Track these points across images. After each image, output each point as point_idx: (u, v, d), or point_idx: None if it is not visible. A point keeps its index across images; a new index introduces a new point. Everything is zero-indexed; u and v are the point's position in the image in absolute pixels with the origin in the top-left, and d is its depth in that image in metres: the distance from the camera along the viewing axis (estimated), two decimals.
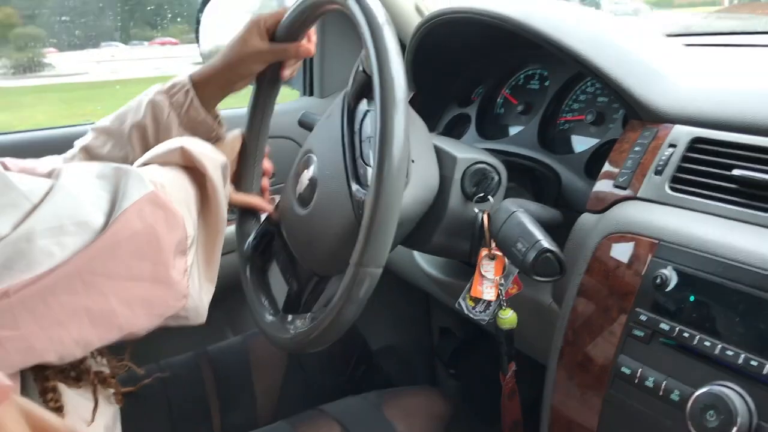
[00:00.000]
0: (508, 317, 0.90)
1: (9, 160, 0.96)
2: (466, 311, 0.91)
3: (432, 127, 1.34)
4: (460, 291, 1.03)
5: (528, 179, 1.07)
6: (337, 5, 0.81)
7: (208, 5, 1.62)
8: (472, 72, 1.33)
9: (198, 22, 1.65)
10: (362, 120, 0.91)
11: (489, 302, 0.91)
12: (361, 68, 0.90)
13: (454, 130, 1.33)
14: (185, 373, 1.17)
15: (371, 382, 1.27)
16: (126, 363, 0.91)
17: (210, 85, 0.98)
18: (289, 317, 0.89)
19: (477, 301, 0.91)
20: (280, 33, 0.97)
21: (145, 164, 0.81)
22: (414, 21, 1.47)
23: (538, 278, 0.78)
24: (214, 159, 0.82)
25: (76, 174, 0.68)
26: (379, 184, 0.69)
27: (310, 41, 1.00)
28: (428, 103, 1.33)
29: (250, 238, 1.04)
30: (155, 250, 0.68)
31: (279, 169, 1.54)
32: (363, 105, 0.93)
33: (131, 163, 0.90)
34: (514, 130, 1.24)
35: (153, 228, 0.68)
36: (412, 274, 1.26)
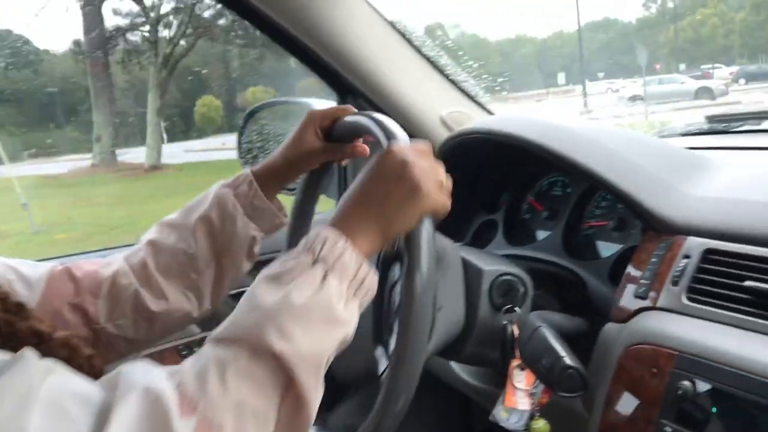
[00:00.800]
0: (541, 426, 0.93)
1: (76, 265, 0.96)
2: (501, 423, 0.94)
3: (461, 235, 1.40)
4: (495, 397, 1.07)
5: (554, 285, 1.12)
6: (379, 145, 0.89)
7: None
8: (497, 179, 1.40)
9: (241, 134, 1.77)
10: (392, 288, 0.97)
11: (522, 412, 0.95)
12: None
13: (482, 237, 1.39)
14: None
15: None
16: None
17: (270, 179, 1.00)
18: None
19: (511, 411, 0.95)
20: (335, 133, 0.99)
21: (228, 340, 0.69)
22: (439, 131, 1.56)
23: (563, 394, 0.83)
24: (320, 354, 0.69)
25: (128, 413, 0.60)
26: (399, 359, 0.76)
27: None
28: (456, 210, 1.39)
29: None
30: None
31: None
32: (396, 270, 0.98)
33: (194, 257, 0.95)
34: (540, 235, 1.30)
35: None
36: (449, 378, 1.30)
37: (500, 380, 1.11)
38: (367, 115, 0.88)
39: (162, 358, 1.43)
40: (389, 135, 0.81)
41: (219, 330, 0.70)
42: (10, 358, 0.59)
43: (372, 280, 0.74)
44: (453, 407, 1.71)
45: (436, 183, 0.78)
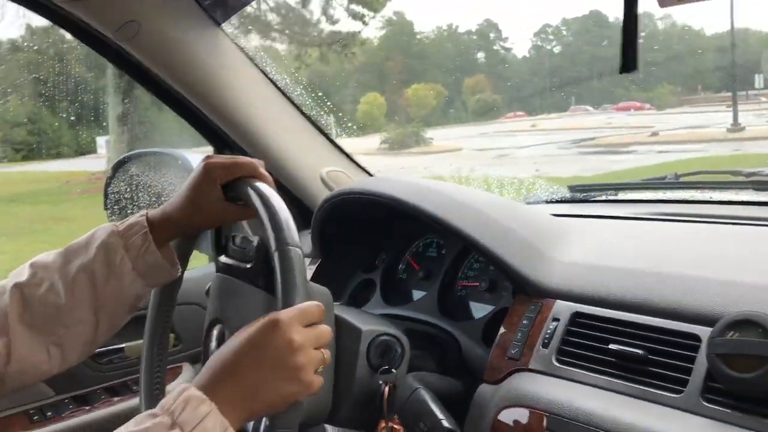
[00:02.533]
0: None
1: None
2: None
3: (339, 294, 1.39)
4: None
5: (430, 346, 1.12)
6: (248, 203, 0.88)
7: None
8: (376, 239, 1.41)
9: (108, 184, 1.69)
10: None
11: None
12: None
13: (360, 296, 1.39)
14: None
15: None
16: None
17: (167, 229, 0.92)
18: None
19: None
20: (234, 192, 0.94)
21: None
22: (319, 189, 1.57)
23: None
24: None
25: None
26: None
27: None
28: (334, 269, 1.39)
29: None
30: None
31: (184, 337, 1.54)
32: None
33: (65, 310, 0.85)
34: (416, 295, 1.32)
35: None
36: None
37: None
38: (266, 202, 0.85)
39: (9, 424, 1.31)
40: (279, 240, 0.80)
41: None
42: None
43: None
44: None
45: (315, 366, 0.73)
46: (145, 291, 0.93)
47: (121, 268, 0.89)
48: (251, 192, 0.90)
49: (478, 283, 1.21)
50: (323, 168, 1.56)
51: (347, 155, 1.62)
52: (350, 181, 1.59)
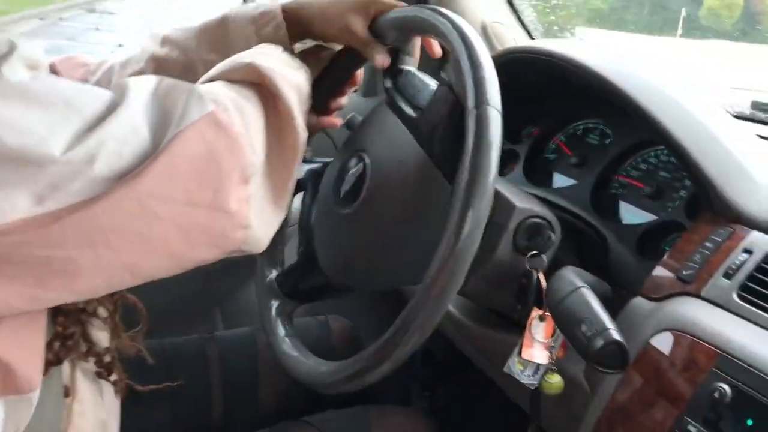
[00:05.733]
0: (556, 382, 0.85)
1: (61, 61, 0.89)
2: (514, 375, 0.86)
3: None
4: (477, 336, 1.00)
5: (576, 241, 1.02)
6: (441, 40, 0.77)
7: None
8: (528, 109, 1.28)
9: None
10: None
11: (538, 366, 0.86)
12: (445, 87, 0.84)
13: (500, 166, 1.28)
14: (190, 356, 1.12)
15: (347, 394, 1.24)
16: (136, 345, 0.85)
17: (298, 25, 0.89)
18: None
19: (526, 363, 0.86)
20: (380, 28, 0.87)
21: (210, 80, 0.75)
22: None
23: (599, 368, 0.74)
24: (289, 77, 0.76)
25: (140, 93, 0.63)
26: (431, 287, 0.67)
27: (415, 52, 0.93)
28: None
29: (273, 274, 1.00)
30: (215, 176, 0.64)
31: None
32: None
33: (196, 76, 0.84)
34: (562, 181, 1.20)
35: (213, 152, 0.63)
36: None
37: (491, 321, 1.03)
38: (469, 44, 0.73)
39: None
40: (480, 97, 0.69)
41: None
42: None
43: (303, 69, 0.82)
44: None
45: None
46: None
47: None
48: (447, 25, 0.78)
49: (642, 185, 1.08)
50: (487, 16, 1.40)
51: (516, 11, 1.45)
52: (510, 39, 1.43)
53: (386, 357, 0.70)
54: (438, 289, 0.67)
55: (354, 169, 0.92)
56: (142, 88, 0.64)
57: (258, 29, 0.87)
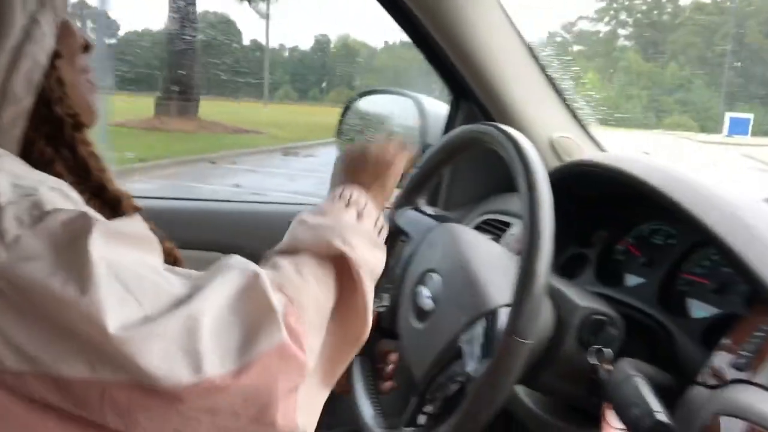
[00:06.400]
0: None
1: None
2: None
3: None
4: (556, 429, 1.06)
5: (643, 335, 1.09)
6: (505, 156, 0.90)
7: None
8: (594, 215, 1.37)
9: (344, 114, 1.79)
10: None
11: None
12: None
13: (570, 269, 1.37)
14: None
15: None
16: None
17: None
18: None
19: None
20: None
21: (294, 248, 0.76)
22: (546, 153, 1.54)
23: None
24: (371, 263, 0.77)
25: (216, 299, 0.62)
26: (509, 337, 0.76)
27: None
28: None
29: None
30: (266, 397, 0.63)
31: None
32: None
33: None
34: (632, 280, 1.27)
35: (274, 380, 0.63)
36: (509, 401, 1.28)
37: (567, 415, 1.10)
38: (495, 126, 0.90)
39: None
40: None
41: (280, 245, 0.78)
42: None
43: (385, 231, 0.88)
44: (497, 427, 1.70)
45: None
46: None
47: None
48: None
49: (706, 281, 1.14)
50: (555, 133, 1.53)
51: (582, 124, 1.57)
52: (579, 150, 1.54)
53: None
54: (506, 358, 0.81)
55: (424, 287, 1.06)
56: (224, 288, 0.64)
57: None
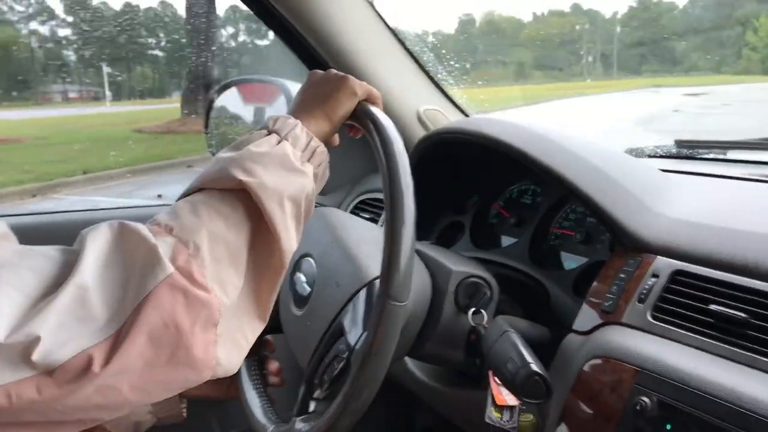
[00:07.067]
0: (530, 420, 0.93)
1: None
2: (496, 423, 0.94)
3: (426, 233, 1.40)
4: (445, 395, 1.07)
5: (518, 293, 1.12)
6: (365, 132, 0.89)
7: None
8: (468, 181, 1.40)
9: (209, 109, 1.73)
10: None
11: (512, 409, 0.94)
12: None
13: (448, 237, 1.39)
14: None
15: None
16: None
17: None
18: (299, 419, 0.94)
19: (502, 410, 0.94)
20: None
21: (195, 188, 0.75)
22: (414, 126, 1.56)
23: (525, 399, 0.83)
24: (283, 189, 0.74)
25: (94, 254, 0.64)
26: (368, 351, 0.79)
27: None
28: (424, 208, 1.39)
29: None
30: (174, 336, 0.64)
31: None
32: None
33: None
34: (506, 241, 1.31)
35: (172, 316, 0.64)
36: (399, 375, 1.30)
37: (461, 381, 1.11)
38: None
39: None
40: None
41: (186, 188, 0.76)
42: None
43: (323, 151, 0.83)
44: (398, 404, 1.71)
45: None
46: None
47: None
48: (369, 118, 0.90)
49: (573, 233, 1.19)
50: (421, 106, 1.54)
51: (446, 95, 1.60)
52: (447, 120, 1.57)
53: (341, 418, 0.80)
54: (379, 340, 0.79)
55: (299, 273, 1.04)
56: (98, 246, 0.65)
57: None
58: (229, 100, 1.70)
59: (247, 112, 1.77)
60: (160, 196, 6.46)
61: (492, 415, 0.96)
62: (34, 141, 9.66)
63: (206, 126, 1.72)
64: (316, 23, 1.41)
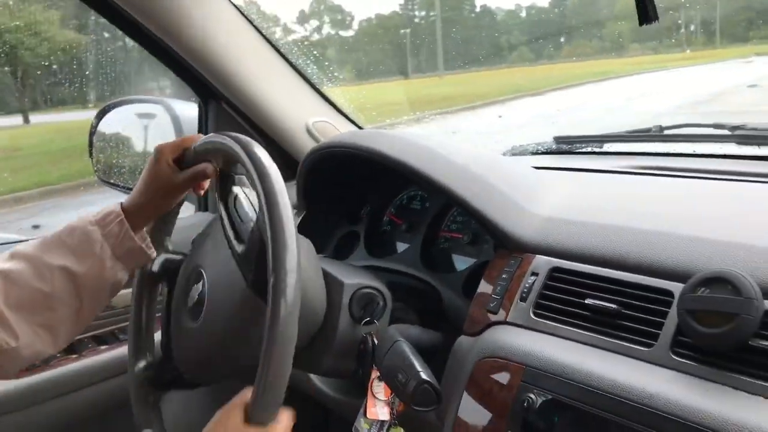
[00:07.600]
0: None
1: None
2: None
3: (323, 246, 1.41)
4: (355, 407, 1.09)
5: (412, 298, 1.15)
6: (241, 165, 0.86)
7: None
8: (360, 191, 1.42)
9: (92, 133, 1.68)
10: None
11: (383, 422, 0.96)
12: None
13: (344, 248, 1.40)
14: None
15: None
16: None
17: (140, 215, 0.98)
18: None
19: (371, 422, 0.96)
20: (189, 158, 0.99)
21: None
22: (304, 140, 1.57)
23: (417, 408, 0.85)
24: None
25: None
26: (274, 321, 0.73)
27: None
28: (319, 221, 1.40)
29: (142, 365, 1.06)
30: None
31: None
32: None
33: (50, 296, 0.91)
34: (400, 247, 1.33)
35: None
36: (308, 389, 1.30)
37: (359, 392, 1.13)
38: (229, 136, 0.85)
39: None
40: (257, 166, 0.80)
41: None
42: None
43: None
44: (312, 418, 1.71)
45: None
46: (125, 275, 0.97)
47: (101, 255, 0.95)
48: (208, 138, 0.91)
49: (461, 236, 1.23)
50: (310, 118, 1.55)
51: (335, 107, 1.61)
52: (337, 132, 1.58)
53: None
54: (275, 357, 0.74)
55: (196, 285, 1.02)
56: None
57: (103, 229, 0.95)
58: (111, 124, 1.65)
59: (131, 134, 1.74)
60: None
61: (360, 426, 0.98)
62: None
63: (90, 152, 1.67)
64: (197, 45, 1.39)
